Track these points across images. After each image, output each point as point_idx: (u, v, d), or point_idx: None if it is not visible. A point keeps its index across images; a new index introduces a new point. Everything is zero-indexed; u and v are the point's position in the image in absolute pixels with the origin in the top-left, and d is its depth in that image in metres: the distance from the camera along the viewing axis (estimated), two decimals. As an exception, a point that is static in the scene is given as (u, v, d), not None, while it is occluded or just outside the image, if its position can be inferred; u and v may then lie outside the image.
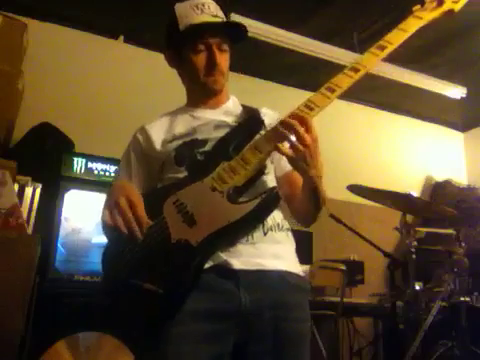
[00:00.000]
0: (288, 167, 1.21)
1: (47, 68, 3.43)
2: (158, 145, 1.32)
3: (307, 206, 1.26)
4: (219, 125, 1.31)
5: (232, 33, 1.35)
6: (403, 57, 3.80)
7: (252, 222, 1.17)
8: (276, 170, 1.34)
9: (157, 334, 1.10)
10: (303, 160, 1.12)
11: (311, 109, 1.14)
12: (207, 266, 1.13)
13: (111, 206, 1.13)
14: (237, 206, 1.14)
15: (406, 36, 1.26)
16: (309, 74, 4.15)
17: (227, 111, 1.37)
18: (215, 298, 1.13)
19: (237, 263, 1.15)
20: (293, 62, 3.95)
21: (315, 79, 4.42)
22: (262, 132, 1.26)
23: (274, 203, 1.19)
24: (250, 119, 1.32)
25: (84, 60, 3.58)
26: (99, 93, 3.58)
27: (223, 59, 1.33)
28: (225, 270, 1.14)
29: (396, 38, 1.26)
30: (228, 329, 1.12)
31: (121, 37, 3.79)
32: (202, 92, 1.36)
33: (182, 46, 1.33)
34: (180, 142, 1.29)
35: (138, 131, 1.40)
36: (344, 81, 1.18)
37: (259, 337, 1.13)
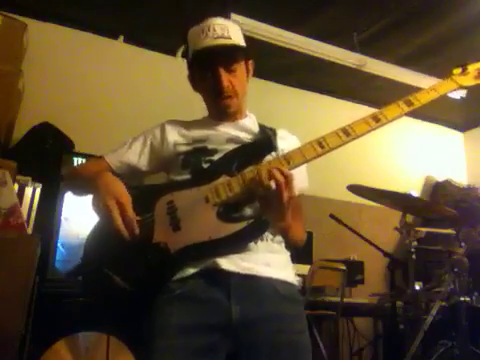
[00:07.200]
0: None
1: (47, 68, 3.43)
2: (169, 145, 1.33)
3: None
4: (232, 139, 1.31)
5: (239, 50, 1.32)
6: (403, 57, 3.81)
7: (235, 243, 1.14)
8: None
9: (149, 345, 1.09)
10: (271, 207, 1.10)
11: (322, 146, 1.13)
12: (194, 271, 1.13)
13: (102, 211, 1.14)
14: (222, 224, 1.13)
15: (436, 96, 1.24)
16: (309, 74, 4.16)
17: (243, 127, 1.36)
18: (204, 311, 1.10)
19: (227, 264, 1.13)
20: (293, 62, 3.94)
21: (315, 79, 4.45)
22: (271, 157, 1.25)
23: (261, 230, 1.17)
24: (263, 140, 1.30)
25: (84, 60, 3.58)
26: (99, 93, 3.57)
27: (233, 79, 1.30)
28: (214, 274, 1.12)
29: (426, 97, 1.23)
30: (219, 341, 1.10)
31: (121, 37, 3.78)
32: (217, 112, 1.37)
33: (194, 71, 1.36)
34: (190, 148, 1.30)
35: (159, 126, 1.38)
36: (361, 127, 1.17)
37: (250, 349, 1.11)
